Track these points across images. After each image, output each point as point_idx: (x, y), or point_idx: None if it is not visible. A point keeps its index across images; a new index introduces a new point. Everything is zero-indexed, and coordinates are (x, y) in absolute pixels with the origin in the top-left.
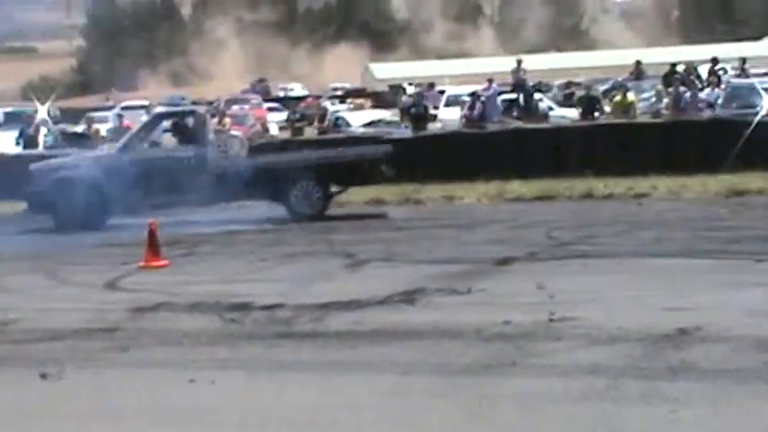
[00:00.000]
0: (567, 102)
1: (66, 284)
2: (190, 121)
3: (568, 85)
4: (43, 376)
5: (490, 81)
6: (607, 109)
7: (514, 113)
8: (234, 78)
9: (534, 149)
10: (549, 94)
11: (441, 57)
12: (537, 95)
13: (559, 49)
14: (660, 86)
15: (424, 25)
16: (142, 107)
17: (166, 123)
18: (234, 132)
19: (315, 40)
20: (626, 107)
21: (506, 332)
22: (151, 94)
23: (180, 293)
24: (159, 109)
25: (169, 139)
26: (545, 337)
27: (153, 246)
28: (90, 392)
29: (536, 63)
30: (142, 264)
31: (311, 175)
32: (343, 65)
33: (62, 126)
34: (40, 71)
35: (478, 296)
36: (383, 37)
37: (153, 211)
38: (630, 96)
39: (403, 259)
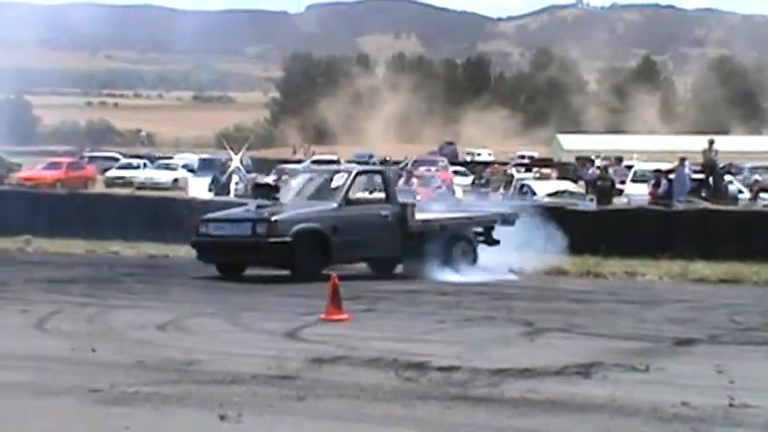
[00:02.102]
0: None
1: (247, 330)
2: (379, 179)
3: None
4: (222, 418)
5: (683, 160)
6: None
7: (702, 194)
8: (378, 138)
9: (721, 231)
10: (740, 177)
11: (596, 131)
12: (727, 177)
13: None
14: None
15: (597, 98)
16: (332, 162)
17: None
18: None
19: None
20: None
21: (684, 414)
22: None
23: (359, 348)
24: (358, 167)
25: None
26: (723, 423)
27: (335, 299)
28: None
29: (726, 144)
30: (323, 316)
31: (471, 234)
32: (485, 131)
33: (253, 175)
34: (236, 120)
35: (656, 375)
36: (538, 106)
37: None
38: None
39: (581, 331)
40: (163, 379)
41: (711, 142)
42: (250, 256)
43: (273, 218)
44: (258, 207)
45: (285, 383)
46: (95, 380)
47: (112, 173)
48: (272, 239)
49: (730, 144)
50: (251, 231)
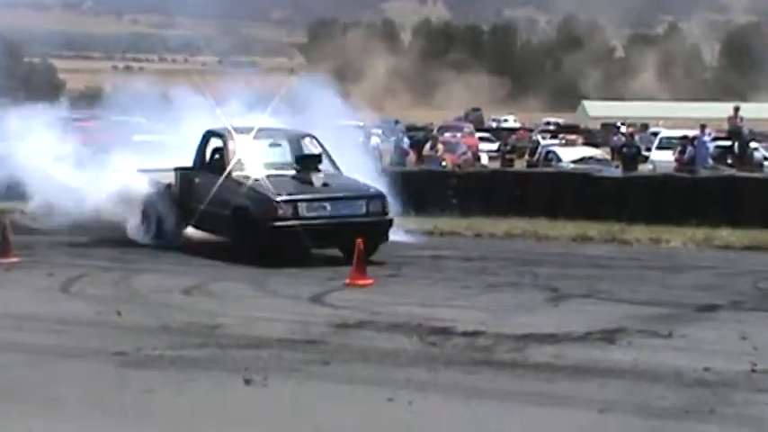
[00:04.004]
0: None
1: (272, 295)
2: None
3: None
4: (247, 382)
5: (703, 127)
6: None
7: (728, 160)
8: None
9: (746, 198)
10: (765, 144)
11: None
12: (753, 144)
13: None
14: None
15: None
16: (357, 127)
17: None
18: None
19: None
20: None
21: (706, 379)
22: None
23: (383, 313)
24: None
25: None
26: (746, 388)
27: (360, 264)
28: (291, 403)
29: (752, 112)
30: (348, 281)
31: None
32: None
33: None
34: (259, 87)
35: (679, 341)
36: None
37: None
38: None
39: (605, 297)
40: (188, 343)
41: (737, 109)
42: (366, 236)
43: (381, 193)
44: (326, 182)
45: (310, 348)
46: (120, 343)
47: (138, 137)
48: (386, 217)
49: (755, 111)
50: (365, 210)
